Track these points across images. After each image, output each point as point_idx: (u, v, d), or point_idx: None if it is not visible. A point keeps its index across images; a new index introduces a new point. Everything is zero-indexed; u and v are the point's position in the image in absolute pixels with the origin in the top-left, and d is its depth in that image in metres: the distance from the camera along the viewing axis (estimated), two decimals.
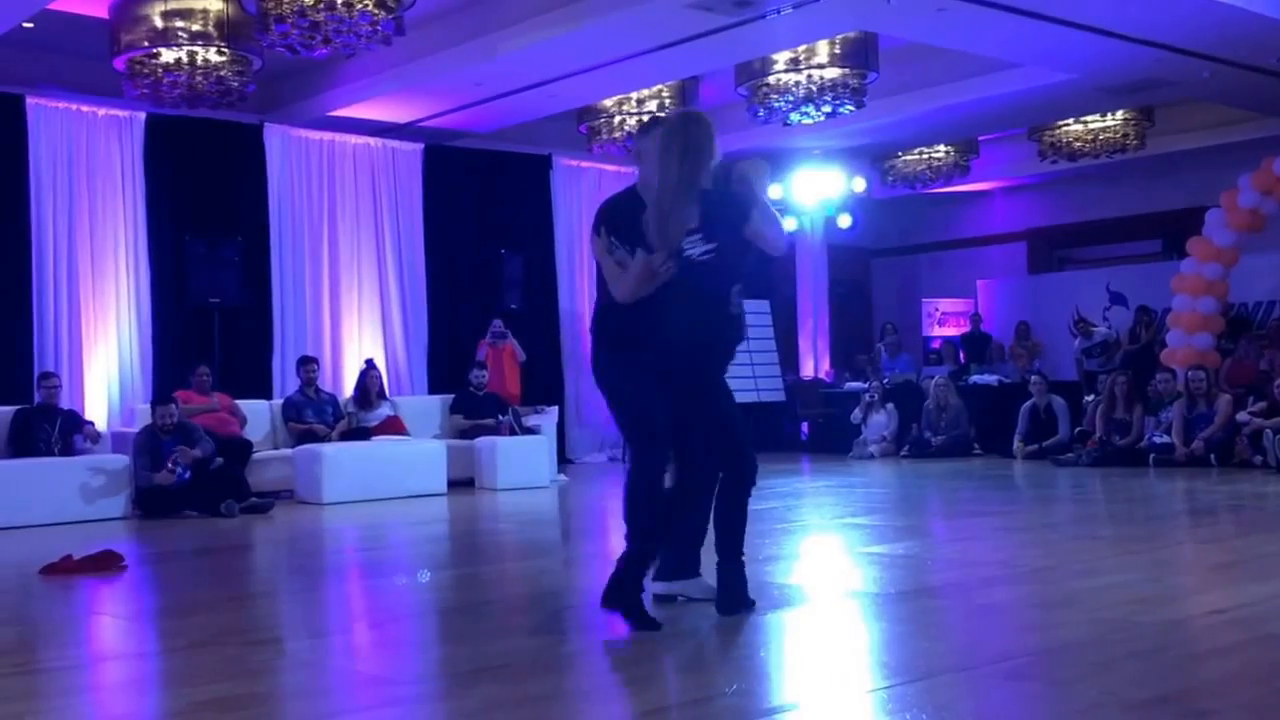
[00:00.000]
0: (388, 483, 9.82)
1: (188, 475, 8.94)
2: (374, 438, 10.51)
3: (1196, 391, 11.16)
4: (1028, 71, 11.31)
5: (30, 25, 9.81)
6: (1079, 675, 3.56)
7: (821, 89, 10.72)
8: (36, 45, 10.46)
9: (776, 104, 10.91)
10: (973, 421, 13.15)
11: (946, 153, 14.56)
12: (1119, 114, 13.07)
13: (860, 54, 10.73)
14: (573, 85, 11.13)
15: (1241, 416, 10.81)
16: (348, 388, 11.55)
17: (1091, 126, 13.23)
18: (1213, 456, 10.76)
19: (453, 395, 11.74)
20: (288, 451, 10.22)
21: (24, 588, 5.96)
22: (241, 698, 3.57)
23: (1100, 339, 13.75)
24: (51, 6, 9.26)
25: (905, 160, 14.70)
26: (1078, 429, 12.10)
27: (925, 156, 14.60)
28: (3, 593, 5.97)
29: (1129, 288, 14.37)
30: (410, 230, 12.94)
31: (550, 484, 10.83)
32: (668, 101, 11.80)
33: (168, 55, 9.31)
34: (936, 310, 16.23)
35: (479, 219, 13.21)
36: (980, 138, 14.54)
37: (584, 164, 13.99)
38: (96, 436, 9.53)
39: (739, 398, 4.83)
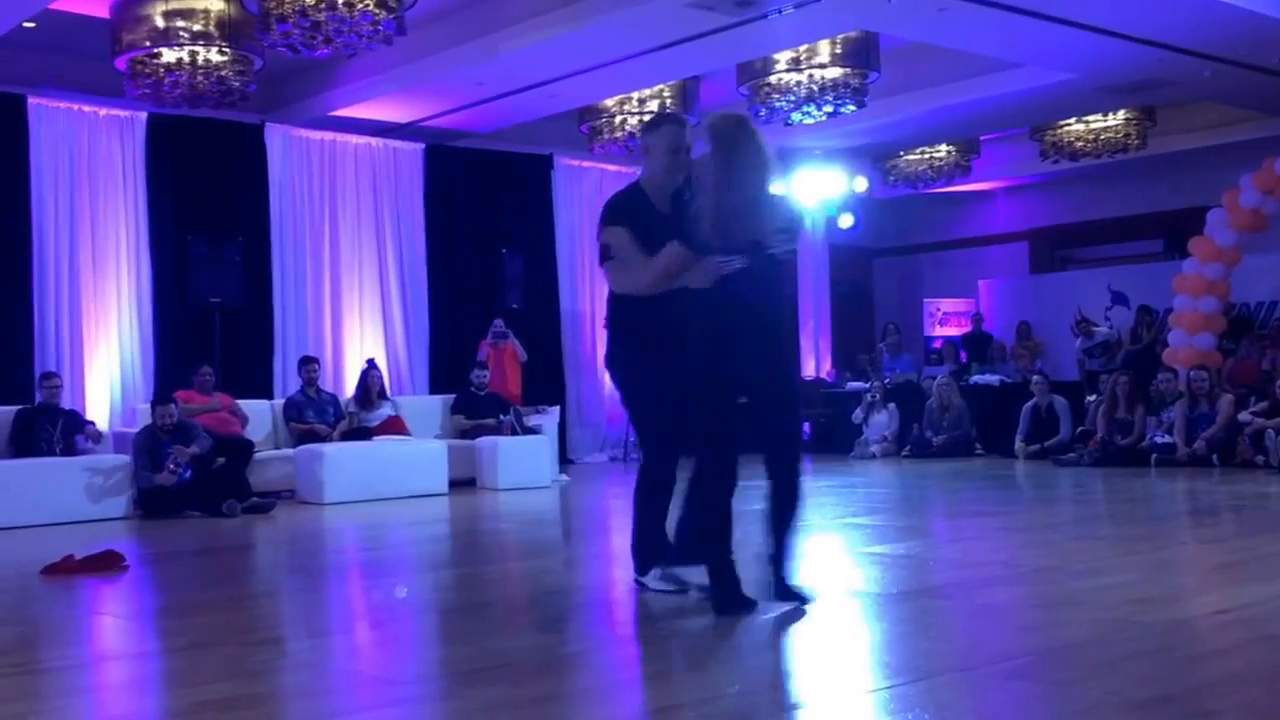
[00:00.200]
0: (389, 483, 9.82)
1: (189, 474, 8.95)
2: (375, 438, 10.51)
3: (1198, 391, 11.15)
4: (1029, 71, 11.30)
5: (32, 25, 9.81)
6: (1080, 675, 3.56)
7: (823, 89, 10.71)
8: (38, 45, 10.45)
9: (778, 104, 10.90)
10: (974, 421, 13.14)
11: (948, 152, 14.55)
12: (1120, 114, 13.05)
13: (861, 54, 10.72)
14: (574, 85, 11.13)
15: (1243, 416, 10.80)
16: (349, 388, 11.55)
17: (1093, 126, 13.21)
18: (1215, 456, 10.75)
19: (454, 395, 11.75)
20: (289, 451, 10.22)
21: (25, 588, 5.95)
22: (243, 698, 3.57)
23: (1102, 339, 13.74)
24: (53, 6, 9.26)
25: (907, 160, 14.69)
26: (1079, 429, 12.09)
27: (926, 156, 14.59)
28: (4, 593, 5.97)
29: (1130, 288, 14.35)
30: (411, 230, 12.92)
31: (551, 484, 10.83)
32: (669, 101, 11.80)
33: (169, 55, 9.30)
34: (938, 310, 16.21)
35: (480, 219, 13.18)
36: (982, 137, 14.53)
37: (585, 164, 13.97)
38: (98, 436, 9.54)
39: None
